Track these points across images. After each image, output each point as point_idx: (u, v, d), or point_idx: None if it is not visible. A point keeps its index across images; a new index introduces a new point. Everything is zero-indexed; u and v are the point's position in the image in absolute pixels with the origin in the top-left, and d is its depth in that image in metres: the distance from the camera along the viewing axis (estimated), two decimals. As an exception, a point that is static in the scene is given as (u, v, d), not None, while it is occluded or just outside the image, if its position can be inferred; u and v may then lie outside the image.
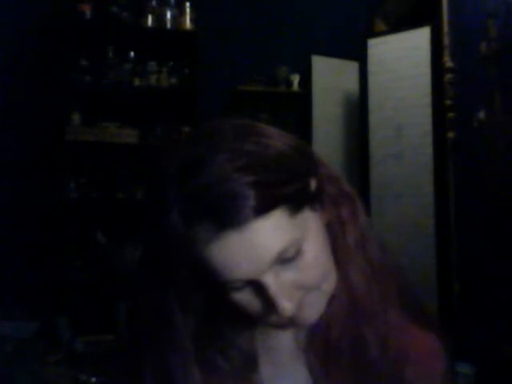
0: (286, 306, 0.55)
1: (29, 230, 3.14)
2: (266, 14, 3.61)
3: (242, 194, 0.51)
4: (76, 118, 3.17)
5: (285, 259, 0.55)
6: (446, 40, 2.76)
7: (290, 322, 0.59)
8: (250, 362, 0.65)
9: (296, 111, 3.64)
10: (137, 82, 3.25)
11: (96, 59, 3.20)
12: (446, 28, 2.77)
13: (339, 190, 0.64)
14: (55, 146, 3.11)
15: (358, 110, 3.41)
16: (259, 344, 0.67)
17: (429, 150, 2.78)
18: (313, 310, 0.59)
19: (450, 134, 2.71)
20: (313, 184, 0.58)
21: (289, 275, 0.56)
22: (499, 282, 2.32)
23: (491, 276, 2.39)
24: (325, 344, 0.63)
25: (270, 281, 0.54)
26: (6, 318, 2.59)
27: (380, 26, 3.59)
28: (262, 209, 0.52)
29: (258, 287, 0.55)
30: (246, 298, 0.57)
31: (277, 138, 0.58)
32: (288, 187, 0.54)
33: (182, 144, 0.59)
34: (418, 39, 2.89)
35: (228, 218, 0.51)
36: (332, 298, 0.62)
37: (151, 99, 3.28)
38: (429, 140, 2.78)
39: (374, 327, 0.62)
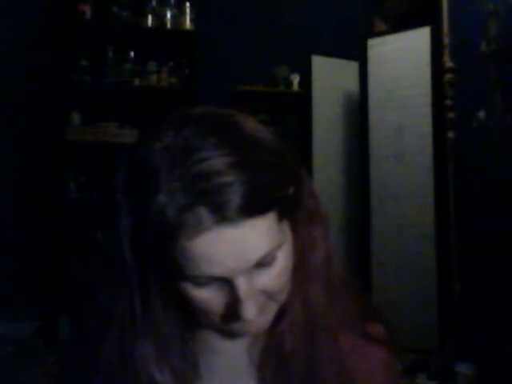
0: (251, 309, 0.54)
1: (29, 229, 3.14)
2: (266, 14, 3.61)
3: (241, 191, 0.50)
4: (76, 117, 3.18)
5: (262, 263, 0.54)
6: (446, 40, 2.76)
7: (242, 329, 0.58)
8: (192, 370, 0.63)
9: (296, 111, 3.64)
10: (137, 81, 3.25)
11: (96, 59, 3.20)
12: (446, 28, 2.77)
13: (316, 207, 0.63)
14: (55, 145, 3.11)
15: (357, 110, 3.40)
16: (201, 363, 0.65)
17: (429, 150, 2.78)
18: (265, 318, 0.59)
19: (450, 134, 2.71)
20: (291, 191, 0.57)
21: (259, 280, 0.55)
22: (499, 282, 2.31)
23: (491, 276, 2.39)
24: (278, 358, 0.62)
25: (243, 282, 0.54)
26: (6, 318, 2.59)
27: (380, 25, 3.59)
28: (259, 209, 0.52)
29: (226, 286, 0.55)
30: (207, 295, 0.55)
31: (270, 139, 0.57)
32: (281, 191, 0.54)
33: (166, 125, 0.55)
34: (418, 39, 2.89)
35: (226, 211, 0.50)
36: (289, 313, 0.61)
37: (151, 99, 3.28)
38: (429, 140, 2.78)
39: (330, 346, 0.62)
